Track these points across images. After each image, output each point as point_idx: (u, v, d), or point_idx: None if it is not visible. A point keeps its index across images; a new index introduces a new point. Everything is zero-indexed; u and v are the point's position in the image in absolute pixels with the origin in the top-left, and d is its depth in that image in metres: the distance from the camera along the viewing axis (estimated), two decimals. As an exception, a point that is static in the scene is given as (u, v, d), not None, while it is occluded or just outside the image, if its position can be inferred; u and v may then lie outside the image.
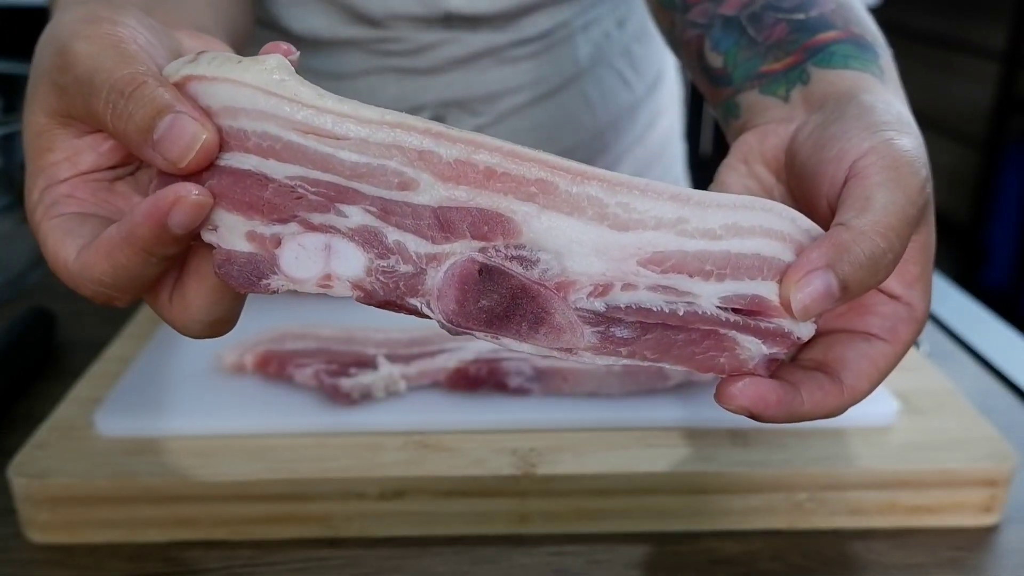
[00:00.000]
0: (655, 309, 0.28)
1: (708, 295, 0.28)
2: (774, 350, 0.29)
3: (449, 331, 0.28)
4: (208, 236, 0.28)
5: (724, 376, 0.29)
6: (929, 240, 0.33)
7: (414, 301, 0.28)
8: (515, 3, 0.65)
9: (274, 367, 0.46)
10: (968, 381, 0.54)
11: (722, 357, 0.29)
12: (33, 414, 0.47)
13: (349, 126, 0.27)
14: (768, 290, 0.28)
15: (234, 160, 0.27)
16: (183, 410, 0.45)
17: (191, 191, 0.27)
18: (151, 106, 0.27)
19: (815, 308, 0.28)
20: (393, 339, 0.49)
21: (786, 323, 0.28)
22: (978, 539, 0.42)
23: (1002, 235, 2.10)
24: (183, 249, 0.29)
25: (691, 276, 0.28)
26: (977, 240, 2.16)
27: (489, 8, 0.65)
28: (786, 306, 0.28)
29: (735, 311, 0.28)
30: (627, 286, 0.27)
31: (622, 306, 0.27)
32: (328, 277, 0.28)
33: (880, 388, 0.46)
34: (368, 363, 0.46)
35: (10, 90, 0.69)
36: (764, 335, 0.29)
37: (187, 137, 0.27)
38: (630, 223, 0.27)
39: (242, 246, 0.28)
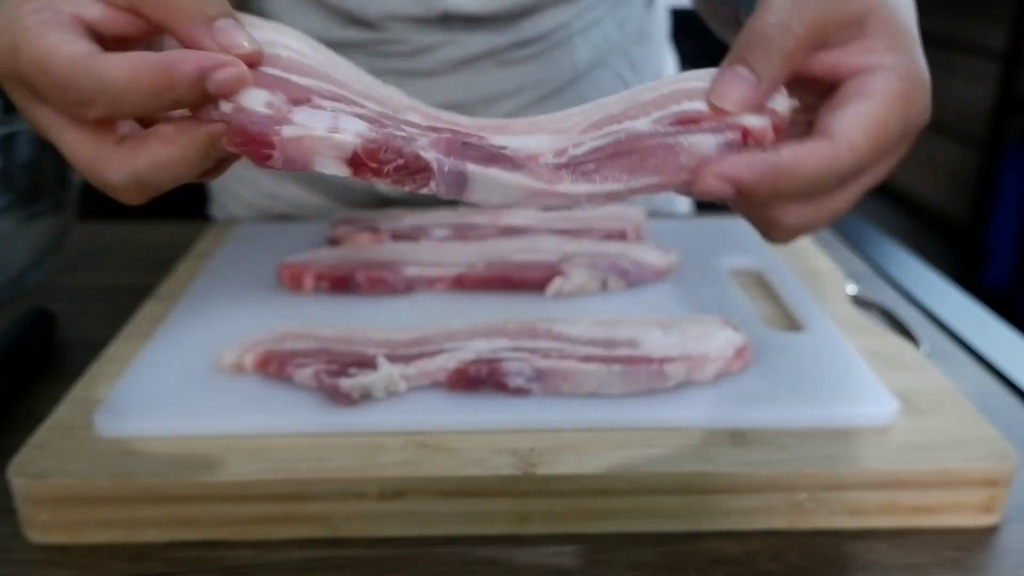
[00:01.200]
0: (604, 144, 0.33)
1: (642, 123, 0.33)
2: (728, 136, 0.31)
3: (446, 179, 0.32)
4: (224, 107, 0.31)
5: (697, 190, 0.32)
6: (892, 12, 0.33)
7: (411, 148, 0.32)
8: (512, 3, 0.65)
9: (274, 367, 0.46)
10: (968, 381, 0.54)
11: (681, 158, 0.32)
12: (33, 414, 0.48)
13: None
14: (695, 106, 0.32)
15: (264, 69, 0.32)
16: (183, 410, 0.45)
17: (239, 63, 0.30)
18: (222, 5, 0.31)
19: (732, 91, 0.31)
20: (393, 339, 0.49)
21: (731, 118, 0.32)
22: (978, 539, 0.42)
23: (1002, 235, 2.10)
24: (179, 108, 0.31)
25: (622, 122, 0.33)
26: (977, 240, 2.17)
27: (486, 8, 0.64)
28: (711, 105, 0.32)
29: (671, 124, 0.32)
30: (577, 145, 0.33)
31: (579, 154, 0.33)
32: (336, 129, 0.31)
33: (880, 388, 0.46)
34: (368, 363, 0.46)
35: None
36: (711, 131, 0.32)
37: (242, 37, 0.31)
38: (570, 129, 0.34)
39: (261, 110, 0.31)
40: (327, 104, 0.31)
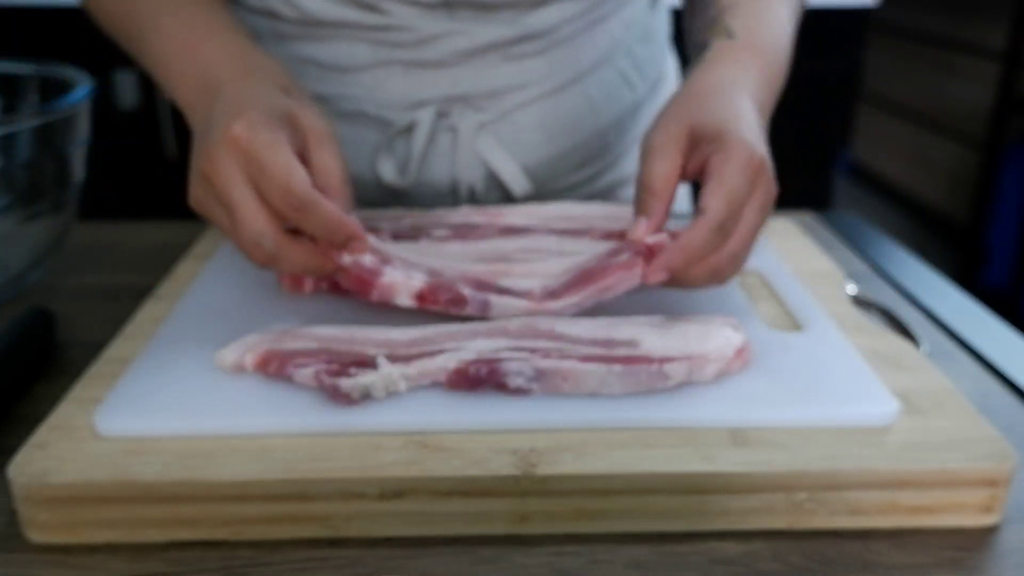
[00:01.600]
0: (568, 279, 0.51)
1: (589, 260, 0.52)
2: (636, 249, 0.49)
3: (476, 305, 0.51)
4: (347, 257, 0.49)
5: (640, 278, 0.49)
6: (706, 117, 0.50)
7: (456, 286, 0.50)
8: None
9: (274, 367, 0.46)
10: (968, 381, 0.54)
11: (608, 271, 0.49)
12: (33, 414, 0.47)
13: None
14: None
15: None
16: (183, 410, 0.45)
17: (367, 240, 0.50)
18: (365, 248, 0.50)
19: (637, 229, 0.49)
20: (393, 339, 0.49)
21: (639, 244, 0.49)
22: (978, 539, 0.42)
23: (1002, 235, 2.10)
24: (324, 240, 0.49)
25: (578, 264, 0.52)
26: (977, 240, 2.16)
27: None
28: (628, 240, 0.49)
29: (607, 256, 0.50)
30: (555, 282, 0.52)
31: (555, 287, 0.51)
32: (410, 277, 0.50)
33: (881, 388, 0.46)
34: (368, 363, 0.46)
35: (10, 90, 0.69)
36: (627, 251, 0.49)
37: (360, 227, 0.50)
38: (548, 273, 0.54)
39: (368, 265, 0.50)
40: (400, 264, 0.50)
